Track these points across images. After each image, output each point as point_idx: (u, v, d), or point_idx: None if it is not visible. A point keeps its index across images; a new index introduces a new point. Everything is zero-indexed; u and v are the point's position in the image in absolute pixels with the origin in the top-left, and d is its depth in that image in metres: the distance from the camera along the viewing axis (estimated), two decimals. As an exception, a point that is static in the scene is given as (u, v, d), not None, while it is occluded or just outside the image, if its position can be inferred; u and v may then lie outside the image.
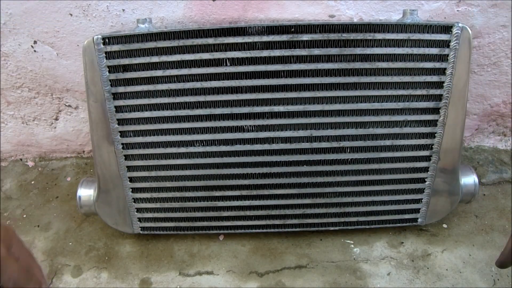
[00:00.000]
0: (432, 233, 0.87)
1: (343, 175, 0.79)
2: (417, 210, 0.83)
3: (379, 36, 0.69)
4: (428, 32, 0.69)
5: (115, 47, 0.70)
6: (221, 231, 0.87)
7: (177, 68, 0.71)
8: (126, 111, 0.74)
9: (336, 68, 0.70)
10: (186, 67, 0.70)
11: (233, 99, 0.72)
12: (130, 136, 0.76)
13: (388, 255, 0.84)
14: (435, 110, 0.74)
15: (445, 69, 0.71)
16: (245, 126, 0.75)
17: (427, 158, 0.77)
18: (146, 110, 0.74)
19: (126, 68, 0.71)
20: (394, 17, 0.81)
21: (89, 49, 0.70)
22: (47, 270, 0.82)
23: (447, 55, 0.70)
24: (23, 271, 0.43)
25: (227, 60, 0.70)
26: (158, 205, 0.81)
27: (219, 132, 0.75)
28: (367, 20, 0.82)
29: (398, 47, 0.70)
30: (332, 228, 0.84)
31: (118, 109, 0.74)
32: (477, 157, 1.03)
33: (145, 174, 0.78)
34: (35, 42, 0.86)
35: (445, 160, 0.78)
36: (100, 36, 0.69)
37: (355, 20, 0.81)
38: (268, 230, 0.84)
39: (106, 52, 0.70)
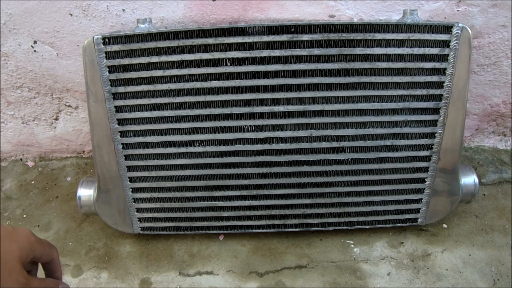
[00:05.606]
0: (432, 233, 0.87)
1: (343, 175, 0.79)
2: (417, 210, 0.83)
3: (379, 36, 0.69)
4: (428, 32, 0.69)
5: (115, 47, 0.70)
6: (221, 231, 0.87)
7: (177, 68, 0.71)
8: (126, 111, 0.74)
9: (336, 68, 0.70)
10: (186, 67, 0.70)
11: (233, 99, 0.72)
12: (130, 136, 0.76)
13: (388, 255, 0.84)
14: (435, 110, 0.74)
15: (445, 69, 0.71)
16: (245, 126, 0.75)
17: (427, 158, 0.77)
18: (146, 110, 0.74)
19: (126, 68, 0.71)
20: (394, 17, 0.81)
21: (89, 49, 0.70)
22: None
23: (447, 55, 0.70)
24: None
25: (227, 60, 0.70)
26: (158, 205, 0.81)
27: (219, 132, 0.75)
28: (367, 20, 0.82)
29: (398, 47, 0.70)
30: (332, 228, 0.84)
31: (118, 109, 0.74)
32: (477, 157, 1.03)
33: (145, 174, 0.78)
34: (35, 42, 0.86)
35: (445, 160, 0.78)
36: (100, 36, 0.69)
37: (355, 20, 0.81)
38: (268, 230, 0.84)
39: (106, 52, 0.70)
